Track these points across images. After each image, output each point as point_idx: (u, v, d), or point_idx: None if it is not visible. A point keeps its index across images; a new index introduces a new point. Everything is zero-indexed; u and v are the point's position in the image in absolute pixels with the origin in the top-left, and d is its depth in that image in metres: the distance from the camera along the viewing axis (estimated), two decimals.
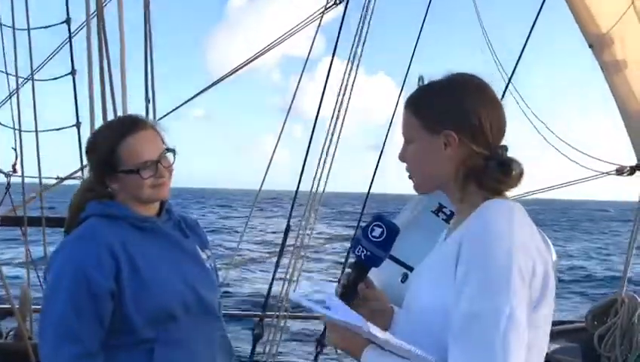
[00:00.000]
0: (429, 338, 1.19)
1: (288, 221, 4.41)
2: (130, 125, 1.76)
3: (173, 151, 1.79)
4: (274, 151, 4.57)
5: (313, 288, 1.37)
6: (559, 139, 4.68)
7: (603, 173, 4.72)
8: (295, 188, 4.22)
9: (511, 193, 1.30)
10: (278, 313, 4.28)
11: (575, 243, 31.67)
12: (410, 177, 1.36)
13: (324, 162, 3.94)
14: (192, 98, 4.59)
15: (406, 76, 4.48)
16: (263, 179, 4.67)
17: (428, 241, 2.71)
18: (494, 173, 1.25)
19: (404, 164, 1.36)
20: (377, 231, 1.35)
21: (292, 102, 4.59)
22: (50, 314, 1.65)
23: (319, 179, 3.97)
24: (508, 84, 3.99)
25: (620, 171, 4.40)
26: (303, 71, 4.46)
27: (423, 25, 4.36)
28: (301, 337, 8.51)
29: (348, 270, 1.42)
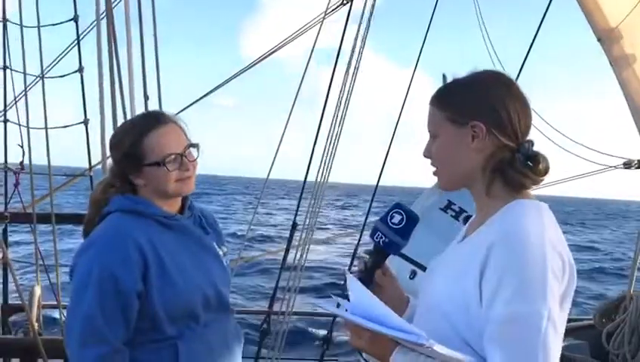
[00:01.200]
0: (453, 336, 1.19)
1: (295, 215, 4.43)
2: (154, 120, 1.77)
3: (197, 146, 1.79)
4: (280, 140, 4.55)
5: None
6: (570, 140, 4.66)
7: (610, 167, 4.71)
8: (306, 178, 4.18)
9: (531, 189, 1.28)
10: (284, 309, 4.29)
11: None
12: (435, 173, 1.34)
13: (331, 150, 3.92)
14: (206, 95, 4.60)
15: (414, 72, 4.48)
16: (270, 169, 4.66)
17: (436, 238, 2.72)
18: (521, 166, 1.24)
19: (429, 161, 1.35)
20: (397, 218, 1.35)
21: (298, 91, 4.57)
22: (77, 313, 1.64)
23: (325, 169, 3.95)
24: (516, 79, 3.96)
25: (627, 165, 4.38)
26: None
27: (431, 18, 4.36)
28: (307, 334, 8.53)
29: (364, 256, 1.41)
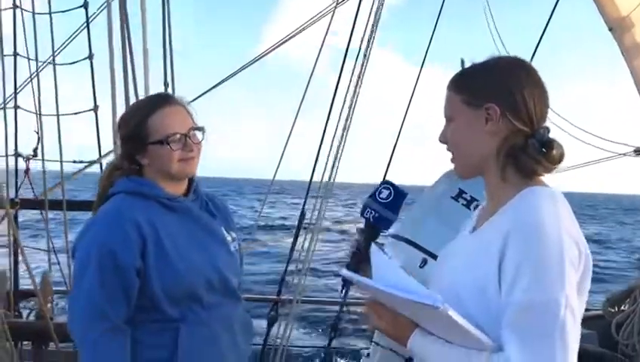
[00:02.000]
0: (468, 320, 1.17)
1: (303, 206, 4.44)
2: (160, 100, 1.80)
3: (202, 129, 1.79)
4: (287, 142, 4.56)
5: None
6: (579, 128, 4.63)
7: (620, 154, 4.69)
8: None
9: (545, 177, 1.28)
10: (293, 296, 4.31)
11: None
12: (452, 160, 1.33)
13: (338, 149, 3.93)
14: (217, 85, 4.60)
15: (426, 53, 4.44)
16: (277, 169, 4.68)
17: (447, 227, 2.70)
18: (534, 152, 1.23)
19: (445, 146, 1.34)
20: (385, 193, 1.39)
21: (306, 89, 4.57)
22: (79, 292, 1.67)
23: (332, 165, 3.96)
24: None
25: (638, 151, 4.36)
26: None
27: (439, 16, 4.33)
28: (315, 321, 8.57)
29: (356, 236, 1.44)
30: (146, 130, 1.73)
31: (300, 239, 4.20)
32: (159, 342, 1.70)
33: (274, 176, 4.87)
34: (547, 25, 4.01)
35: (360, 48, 3.89)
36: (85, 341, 1.64)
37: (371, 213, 1.38)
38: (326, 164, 3.96)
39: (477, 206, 2.63)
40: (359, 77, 3.91)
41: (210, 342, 1.75)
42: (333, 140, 3.88)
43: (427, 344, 1.21)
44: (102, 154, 4.45)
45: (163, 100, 1.79)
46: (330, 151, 3.89)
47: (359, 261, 1.42)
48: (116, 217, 1.69)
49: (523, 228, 1.16)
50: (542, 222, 1.15)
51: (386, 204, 1.38)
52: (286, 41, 4.75)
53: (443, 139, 1.34)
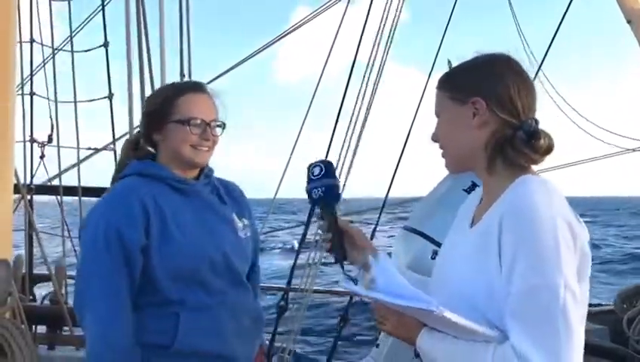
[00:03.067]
0: (478, 318, 1.18)
1: (313, 205, 4.43)
2: (193, 85, 1.81)
3: (223, 125, 1.80)
4: (291, 155, 4.59)
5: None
6: (592, 123, 4.60)
7: (628, 150, 4.64)
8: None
9: (536, 168, 1.28)
10: (302, 286, 4.33)
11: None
12: (442, 155, 1.35)
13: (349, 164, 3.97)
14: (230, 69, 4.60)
15: (432, 68, 4.43)
16: (280, 182, 4.74)
17: None
18: (521, 144, 1.23)
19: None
20: (317, 170, 1.47)
21: (313, 98, 4.58)
22: (85, 272, 1.68)
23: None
24: (538, 70, 3.92)
25: None
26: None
27: (450, 17, 4.31)
28: (325, 311, 8.60)
29: (322, 224, 1.48)
30: (171, 108, 1.74)
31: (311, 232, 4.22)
32: (160, 327, 1.68)
33: (277, 191, 4.90)
34: (561, 22, 3.97)
35: (368, 64, 3.92)
36: (94, 319, 1.64)
37: (318, 191, 1.46)
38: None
39: None
40: (372, 91, 3.93)
41: (213, 329, 1.72)
42: (340, 154, 3.93)
43: (435, 342, 1.21)
44: (115, 141, 4.48)
45: (196, 86, 1.81)
46: (342, 165, 3.93)
47: (340, 243, 1.48)
48: (122, 196, 1.70)
49: (516, 213, 1.17)
50: (534, 206, 1.15)
51: (322, 176, 1.47)
52: (291, 31, 4.75)
53: (435, 138, 1.35)
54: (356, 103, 3.92)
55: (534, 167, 1.28)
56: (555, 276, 1.12)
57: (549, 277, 1.12)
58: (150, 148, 1.81)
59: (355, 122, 3.96)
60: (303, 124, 4.68)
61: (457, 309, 1.18)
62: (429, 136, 1.36)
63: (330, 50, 4.51)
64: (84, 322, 1.68)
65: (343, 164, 3.99)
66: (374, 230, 4.22)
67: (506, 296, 1.15)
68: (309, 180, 1.47)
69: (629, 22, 4.08)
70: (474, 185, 2.89)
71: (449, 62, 1.38)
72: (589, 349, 1.28)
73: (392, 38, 3.94)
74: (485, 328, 1.15)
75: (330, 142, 4.04)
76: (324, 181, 1.45)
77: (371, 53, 3.88)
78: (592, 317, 3.83)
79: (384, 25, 3.89)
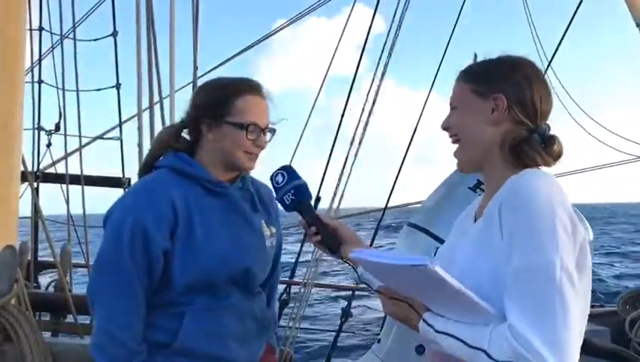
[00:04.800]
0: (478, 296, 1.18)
1: (318, 192, 4.46)
2: (252, 86, 1.73)
3: (274, 131, 1.75)
4: (291, 160, 4.62)
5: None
6: (606, 128, 4.58)
7: (638, 158, 4.63)
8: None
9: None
10: (305, 280, 4.35)
11: None
12: (455, 151, 1.36)
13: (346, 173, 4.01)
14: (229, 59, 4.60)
15: (435, 77, 4.44)
16: None
17: None
18: (536, 146, 1.27)
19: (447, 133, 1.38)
20: (280, 178, 1.52)
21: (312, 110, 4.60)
22: (104, 263, 1.64)
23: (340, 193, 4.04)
24: (547, 68, 3.92)
25: None
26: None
27: (454, 28, 4.33)
28: (327, 305, 8.63)
29: (308, 228, 1.53)
30: (230, 107, 1.67)
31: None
32: (164, 325, 1.66)
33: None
34: (568, 26, 3.97)
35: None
36: (103, 314, 1.62)
37: (289, 195, 1.49)
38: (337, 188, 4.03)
39: None
40: (372, 104, 3.96)
41: (215, 331, 1.69)
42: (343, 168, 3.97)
43: (436, 325, 1.22)
44: (122, 131, 4.49)
45: (255, 87, 1.73)
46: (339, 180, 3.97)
47: (328, 234, 1.51)
48: (153, 193, 1.64)
49: (515, 196, 1.19)
50: (533, 191, 1.18)
51: (287, 181, 1.50)
52: (287, 26, 4.77)
53: (446, 125, 1.37)
54: (359, 118, 3.97)
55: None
56: (551, 255, 1.13)
57: (545, 256, 1.13)
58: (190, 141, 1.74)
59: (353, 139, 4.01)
60: (300, 138, 4.70)
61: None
62: (440, 124, 1.38)
63: (332, 59, 4.53)
64: (93, 312, 1.67)
65: (340, 179, 4.06)
66: (373, 239, 4.27)
67: (506, 276, 1.16)
68: (276, 190, 1.50)
69: (638, 25, 4.06)
70: (479, 183, 2.90)
71: (475, 55, 1.43)
72: (591, 350, 1.28)
73: (391, 51, 3.97)
74: (485, 303, 1.16)
75: (329, 159, 4.11)
76: (290, 185, 1.47)
77: (376, 70, 3.92)
78: (594, 318, 3.82)
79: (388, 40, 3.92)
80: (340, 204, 4.20)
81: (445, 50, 4.40)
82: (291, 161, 4.72)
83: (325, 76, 4.80)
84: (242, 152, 1.69)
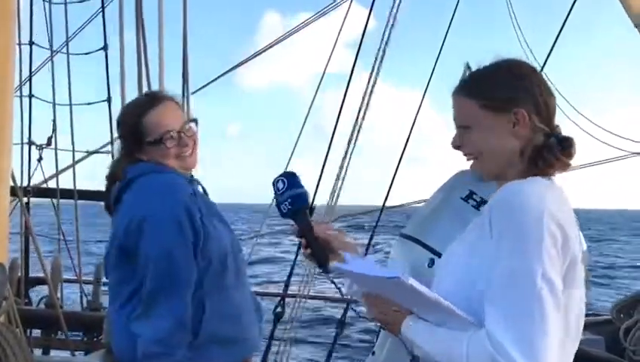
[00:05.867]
0: (469, 300, 1.19)
1: (315, 193, 4.45)
2: (151, 99, 1.87)
3: (195, 120, 1.86)
4: (288, 163, 4.64)
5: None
6: (599, 126, 4.59)
7: (633, 154, 4.64)
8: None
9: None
10: (299, 292, 4.32)
11: None
12: (474, 165, 1.34)
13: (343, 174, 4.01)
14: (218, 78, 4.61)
15: (430, 77, 4.45)
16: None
17: (456, 227, 2.69)
18: (555, 151, 1.26)
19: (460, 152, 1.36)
20: (280, 184, 1.49)
21: (310, 109, 4.62)
22: (166, 258, 1.70)
23: (337, 193, 4.04)
24: (541, 70, 3.94)
25: None
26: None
27: (448, 31, 4.35)
28: (321, 317, 8.58)
29: (300, 238, 1.51)
30: (142, 130, 1.79)
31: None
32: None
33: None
34: (564, 24, 3.99)
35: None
36: (167, 312, 1.68)
37: (287, 203, 1.47)
38: (334, 185, 4.03)
39: None
40: (367, 104, 3.97)
41: (234, 313, 1.83)
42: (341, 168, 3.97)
43: (418, 328, 1.23)
44: (114, 145, 4.46)
45: (154, 98, 1.86)
46: (337, 177, 3.98)
47: (318, 248, 1.50)
48: (176, 185, 1.77)
49: (504, 200, 1.20)
50: (525, 196, 1.18)
51: (287, 188, 1.48)
52: (288, 36, 4.80)
53: (458, 144, 1.35)
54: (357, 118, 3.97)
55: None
56: (533, 263, 1.12)
57: (527, 263, 1.13)
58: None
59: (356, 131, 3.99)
60: (300, 133, 4.69)
61: (455, 296, 1.20)
62: (450, 142, 1.36)
63: (329, 59, 4.54)
64: (155, 308, 1.68)
65: (338, 176, 4.04)
66: (370, 240, 4.26)
67: (492, 277, 1.16)
68: (275, 196, 1.50)
69: (636, 26, 4.08)
70: (472, 193, 2.89)
71: (467, 66, 1.36)
72: (585, 359, 1.27)
73: (384, 50, 3.98)
74: (462, 312, 1.17)
75: (326, 157, 4.10)
76: (289, 193, 1.47)
77: (372, 69, 3.93)
78: (588, 327, 3.81)
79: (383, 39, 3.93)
80: (336, 202, 4.18)
81: (439, 52, 4.38)
82: (289, 161, 4.69)
83: (322, 77, 4.76)
84: (173, 159, 1.81)
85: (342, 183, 4.06)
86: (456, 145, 1.35)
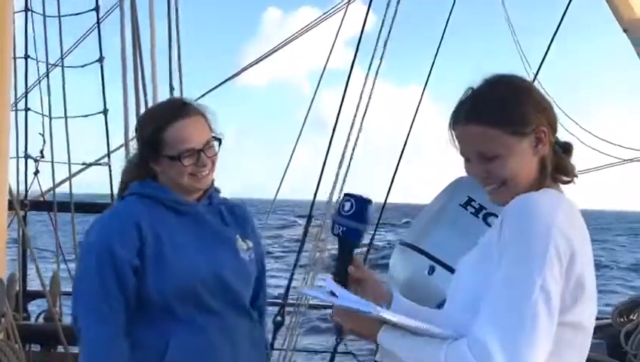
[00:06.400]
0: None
1: (310, 210, 4.45)
2: (177, 111, 1.76)
3: (219, 140, 1.79)
4: (290, 158, 4.64)
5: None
6: (590, 133, 4.61)
7: (626, 160, 4.66)
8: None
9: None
10: (299, 301, 4.31)
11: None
12: (497, 191, 1.28)
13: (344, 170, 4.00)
14: (208, 92, 4.64)
15: (427, 79, 4.47)
16: (278, 187, 4.80)
17: (455, 234, 2.71)
18: (567, 161, 1.28)
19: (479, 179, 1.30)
20: (347, 206, 1.38)
21: (310, 107, 4.63)
22: (80, 291, 1.73)
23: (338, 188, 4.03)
24: (534, 79, 3.96)
25: None
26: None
27: (445, 30, 4.37)
28: (321, 326, 8.56)
29: (334, 261, 1.42)
30: (161, 141, 1.72)
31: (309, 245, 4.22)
32: (150, 344, 1.69)
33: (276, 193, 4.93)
34: (554, 35, 4.01)
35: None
36: (86, 341, 1.68)
37: (340, 228, 1.38)
38: (335, 182, 4.02)
39: (486, 214, 2.65)
40: (368, 97, 3.96)
41: (204, 351, 1.70)
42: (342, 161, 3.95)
43: (396, 337, 1.21)
44: (111, 156, 4.46)
45: (180, 111, 1.75)
46: (338, 171, 3.96)
47: (342, 281, 1.38)
48: (118, 217, 1.75)
49: (513, 212, 1.18)
50: (535, 207, 1.16)
51: (350, 216, 1.37)
52: (288, 43, 4.80)
53: (486, 175, 1.27)
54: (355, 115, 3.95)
55: None
56: (533, 273, 1.11)
57: (527, 273, 1.12)
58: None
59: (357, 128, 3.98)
60: (298, 138, 4.69)
61: (465, 309, 1.19)
62: (481, 181, 1.29)
63: (328, 56, 4.53)
64: (79, 339, 1.71)
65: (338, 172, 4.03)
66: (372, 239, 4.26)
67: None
68: (337, 211, 1.40)
69: (625, 31, 4.11)
70: (470, 200, 2.90)
71: (472, 90, 1.30)
72: None
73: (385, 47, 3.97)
74: (440, 330, 1.16)
75: (328, 150, 4.09)
76: (347, 221, 1.37)
77: (370, 63, 3.91)
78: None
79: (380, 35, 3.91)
80: (339, 198, 4.17)
81: (437, 51, 4.39)
82: (290, 160, 4.66)
83: (321, 76, 4.73)
84: (187, 177, 1.74)
85: (344, 179, 4.04)
86: (484, 177, 1.28)
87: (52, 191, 4.40)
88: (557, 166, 1.27)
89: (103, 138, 4.53)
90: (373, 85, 3.87)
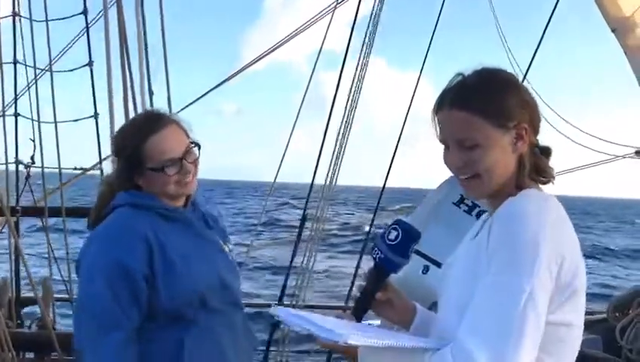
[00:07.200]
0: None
1: (304, 212, 4.44)
2: (153, 123, 1.79)
3: (197, 145, 1.82)
4: (288, 142, 4.62)
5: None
6: (580, 130, 4.63)
7: (618, 156, 4.68)
8: (312, 180, 4.27)
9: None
10: (294, 302, 4.31)
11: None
12: (471, 183, 1.26)
13: (339, 153, 3.98)
14: (207, 93, 4.61)
15: (421, 71, 4.47)
16: (277, 171, 4.76)
17: (449, 233, 2.71)
18: (546, 163, 1.27)
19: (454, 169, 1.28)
20: (393, 234, 1.32)
21: (306, 90, 4.60)
22: (89, 306, 1.69)
23: (333, 171, 4.01)
24: (523, 79, 3.96)
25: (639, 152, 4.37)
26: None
27: (438, 19, 4.36)
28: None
29: (365, 273, 1.39)
30: (143, 155, 1.75)
31: (303, 245, 4.22)
32: (165, 352, 1.72)
33: (275, 178, 4.91)
34: (543, 34, 4.02)
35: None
36: (97, 352, 1.64)
37: (378, 253, 1.33)
38: (330, 166, 4.01)
39: (480, 212, 2.64)
40: (360, 80, 3.95)
41: (215, 346, 1.78)
42: (336, 144, 3.94)
43: (377, 352, 1.20)
44: (102, 161, 4.43)
45: (156, 124, 1.78)
46: (332, 159, 3.94)
47: (364, 307, 1.38)
48: (121, 229, 1.73)
49: (503, 218, 1.17)
50: (525, 215, 1.15)
51: (393, 246, 1.31)
52: (279, 46, 4.79)
53: (462, 163, 1.24)
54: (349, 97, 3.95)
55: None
56: (522, 279, 1.10)
57: (516, 279, 1.10)
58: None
59: (351, 110, 3.98)
60: (295, 121, 4.67)
61: (454, 316, 1.18)
62: (455, 167, 1.25)
63: (324, 38, 4.50)
64: (86, 355, 1.67)
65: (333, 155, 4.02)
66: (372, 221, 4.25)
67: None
68: (382, 236, 1.34)
69: (613, 30, 4.12)
70: (462, 198, 2.90)
71: (462, 75, 1.27)
72: (582, 359, 1.27)
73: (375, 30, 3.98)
74: (420, 342, 1.16)
75: (325, 133, 4.08)
76: (387, 251, 1.32)
77: (362, 46, 3.91)
78: (585, 326, 3.80)
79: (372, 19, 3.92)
80: (335, 182, 4.16)
81: (431, 40, 4.39)
82: (288, 142, 4.64)
83: (317, 58, 4.71)
84: (173, 185, 1.77)
85: (340, 162, 4.03)
86: (461, 165, 1.25)
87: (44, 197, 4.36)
88: (535, 166, 1.26)
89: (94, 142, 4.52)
90: (367, 60, 3.87)
